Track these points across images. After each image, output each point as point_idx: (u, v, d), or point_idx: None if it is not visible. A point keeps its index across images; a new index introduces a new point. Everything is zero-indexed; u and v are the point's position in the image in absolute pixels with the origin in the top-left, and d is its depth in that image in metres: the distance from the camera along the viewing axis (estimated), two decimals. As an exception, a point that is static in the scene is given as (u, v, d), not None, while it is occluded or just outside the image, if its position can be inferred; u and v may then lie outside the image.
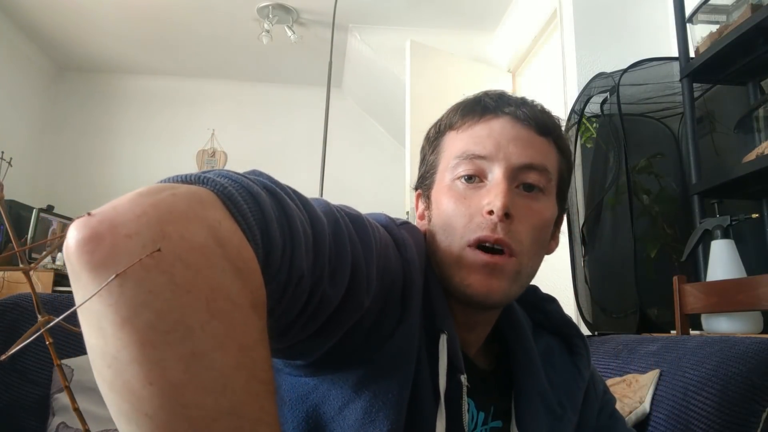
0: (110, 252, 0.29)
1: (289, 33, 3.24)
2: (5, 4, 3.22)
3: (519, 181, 0.60)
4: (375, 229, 0.51)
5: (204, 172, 0.38)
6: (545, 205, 0.61)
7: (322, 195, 2.62)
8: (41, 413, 1.02)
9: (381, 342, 0.52)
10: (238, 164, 4.01)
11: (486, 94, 0.64)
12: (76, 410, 0.32)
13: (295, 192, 0.43)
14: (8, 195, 3.08)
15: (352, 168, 4.01)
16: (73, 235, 0.30)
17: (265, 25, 3.17)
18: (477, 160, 0.60)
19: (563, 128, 0.66)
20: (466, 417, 0.57)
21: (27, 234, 2.78)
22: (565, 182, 0.66)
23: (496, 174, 0.59)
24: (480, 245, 0.57)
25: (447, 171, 0.62)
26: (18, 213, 2.91)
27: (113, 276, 0.28)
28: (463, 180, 0.60)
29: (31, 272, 0.32)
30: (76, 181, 3.83)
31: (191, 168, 3.98)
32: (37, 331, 0.30)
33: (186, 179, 0.36)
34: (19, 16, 3.34)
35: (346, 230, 0.46)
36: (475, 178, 0.60)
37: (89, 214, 0.30)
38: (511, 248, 0.57)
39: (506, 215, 0.57)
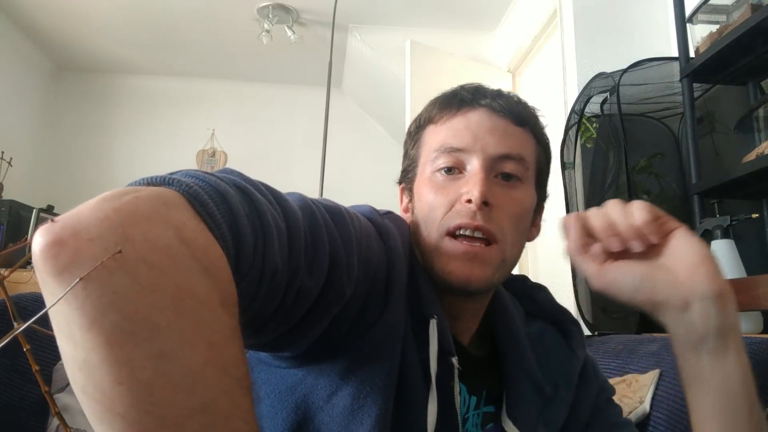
0: (73, 256, 0.29)
1: (289, 33, 3.24)
2: (5, 4, 3.21)
3: (497, 171, 0.61)
4: (354, 218, 0.52)
5: (171, 174, 0.38)
6: (524, 193, 0.63)
7: (322, 195, 2.61)
8: (41, 413, 1.02)
9: (366, 329, 0.53)
10: (238, 164, 4.01)
11: (462, 87, 0.66)
12: (58, 414, 0.32)
13: (267, 187, 0.44)
14: (8, 195, 3.07)
15: (352, 168, 4.00)
16: (37, 242, 0.30)
17: (265, 25, 3.17)
18: (455, 152, 0.62)
19: (541, 119, 0.68)
20: (458, 399, 0.58)
21: (27, 234, 2.77)
22: (543, 171, 0.67)
23: (474, 165, 0.60)
24: (459, 233, 0.59)
25: (427, 164, 0.64)
26: (18, 213, 2.91)
27: (77, 279, 0.29)
28: (442, 172, 0.62)
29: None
30: (76, 181, 3.83)
31: (191, 168, 3.97)
32: (10, 336, 0.30)
33: (151, 181, 0.37)
34: (19, 16, 3.34)
35: (322, 221, 0.46)
36: (454, 169, 0.62)
37: (53, 220, 0.31)
38: (492, 234, 0.59)
39: (485, 203, 0.58)
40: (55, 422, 1.01)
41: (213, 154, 4.05)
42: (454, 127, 0.63)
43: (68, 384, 1.01)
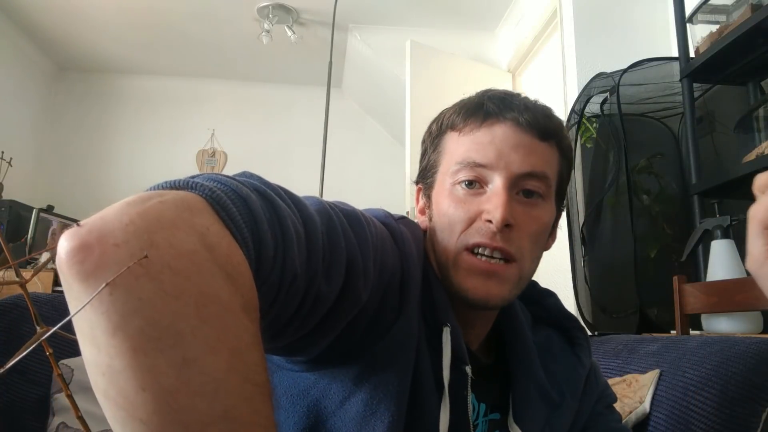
0: (99, 261, 0.29)
1: (289, 33, 3.24)
2: (5, 4, 3.21)
3: (519, 188, 0.60)
4: (371, 223, 0.52)
5: (192, 177, 0.38)
6: (544, 210, 0.62)
7: (322, 195, 2.61)
8: (41, 413, 1.02)
9: (380, 334, 0.53)
10: (238, 164, 4.01)
11: (489, 97, 0.64)
12: (80, 418, 0.32)
13: (286, 191, 0.44)
14: (8, 195, 3.07)
15: (352, 168, 4.00)
16: (63, 246, 0.30)
17: (265, 25, 3.17)
18: (478, 167, 0.60)
19: (566, 129, 0.66)
20: (470, 408, 0.58)
21: (27, 234, 2.77)
22: (564, 182, 0.66)
23: (497, 183, 0.59)
24: (477, 250, 0.58)
25: (448, 175, 0.63)
26: (18, 213, 2.90)
27: (104, 285, 0.29)
28: (463, 185, 0.61)
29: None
30: (76, 181, 3.83)
31: (191, 168, 3.98)
32: (36, 342, 0.30)
33: (174, 185, 0.37)
34: (19, 16, 3.34)
35: (340, 226, 0.46)
36: (476, 183, 0.61)
37: (78, 224, 0.31)
38: (511, 255, 0.58)
39: (506, 225, 0.57)
40: (55, 422, 1.01)
41: (213, 154, 4.05)
42: (478, 140, 0.61)
43: (70, 384, 1.01)
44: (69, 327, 0.32)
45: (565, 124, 1.95)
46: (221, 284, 0.32)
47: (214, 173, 0.40)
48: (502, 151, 0.60)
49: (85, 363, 0.32)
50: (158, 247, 0.31)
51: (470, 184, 0.61)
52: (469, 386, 0.58)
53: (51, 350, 0.32)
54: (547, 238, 0.64)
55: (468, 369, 0.58)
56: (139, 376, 0.30)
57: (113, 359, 0.30)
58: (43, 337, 0.30)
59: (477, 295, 0.58)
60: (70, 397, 0.32)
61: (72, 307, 0.31)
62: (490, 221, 0.57)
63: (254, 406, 0.33)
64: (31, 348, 0.29)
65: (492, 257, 0.58)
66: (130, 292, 0.29)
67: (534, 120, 0.61)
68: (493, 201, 0.58)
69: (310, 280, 0.42)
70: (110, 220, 0.31)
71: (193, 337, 0.30)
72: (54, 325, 0.30)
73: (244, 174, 0.43)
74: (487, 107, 0.62)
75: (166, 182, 0.37)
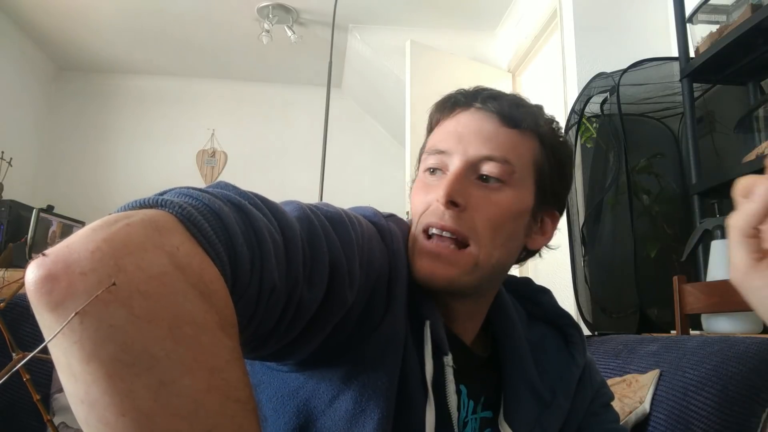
0: (67, 291, 0.29)
1: (289, 33, 3.24)
2: (5, 4, 3.21)
3: (477, 172, 0.60)
4: (356, 223, 0.52)
5: (162, 193, 0.37)
6: (506, 196, 0.60)
7: (322, 195, 2.62)
8: (41, 413, 1.02)
9: (368, 333, 0.53)
10: (238, 164, 4.01)
11: (461, 90, 0.66)
12: (49, 421, 0.33)
13: (263, 200, 0.43)
14: (8, 195, 3.07)
15: (352, 168, 4.00)
16: (30, 277, 0.30)
17: (265, 25, 3.17)
18: (439, 154, 0.62)
19: (549, 122, 0.66)
20: (452, 398, 0.58)
21: (27, 234, 2.77)
22: (545, 174, 0.64)
23: (453, 165, 0.61)
24: (431, 233, 0.59)
25: (420, 165, 0.66)
26: (18, 213, 2.90)
27: (73, 314, 0.29)
28: (428, 173, 0.63)
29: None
30: (76, 181, 3.83)
31: (191, 168, 3.98)
32: (12, 369, 0.30)
33: (143, 203, 0.36)
34: (19, 17, 3.34)
35: (321, 231, 0.46)
36: (438, 170, 0.62)
37: (44, 254, 0.31)
38: (463, 236, 0.58)
39: (454, 204, 0.58)
40: (55, 422, 1.01)
41: (213, 154, 4.05)
42: (445, 129, 0.64)
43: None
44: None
45: (565, 124, 1.96)
46: (195, 303, 0.32)
47: (185, 188, 0.39)
48: (462, 136, 0.61)
49: (65, 392, 0.32)
50: (126, 271, 0.30)
51: (434, 171, 0.63)
52: (451, 376, 0.58)
53: (28, 376, 0.32)
54: (520, 230, 0.62)
55: (448, 359, 0.58)
56: (117, 402, 0.30)
57: (90, 387, 0.30)
58: (18, 365, 0.30)
59: (424, 274, 0.58)
60: (50, 422, 0.32)
61: (46, 336, 0.31)
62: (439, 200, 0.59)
63: (238, 423, 0.33)
64: (7, 376, 0.29)
65: (442, 237, 0.58)
66: (101, 319, 0.29)
67: (500, 107, 0.62)
68: (443, 181, 0.59)
69: (291, 288, 0.42)
70: (76, 248, 0.31)
71: (168, 359, 0.30)
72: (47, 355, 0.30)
73: (219, 185, 0.42)
74: (455, 99, 0.65)
75: (135, 201, 0.36)
